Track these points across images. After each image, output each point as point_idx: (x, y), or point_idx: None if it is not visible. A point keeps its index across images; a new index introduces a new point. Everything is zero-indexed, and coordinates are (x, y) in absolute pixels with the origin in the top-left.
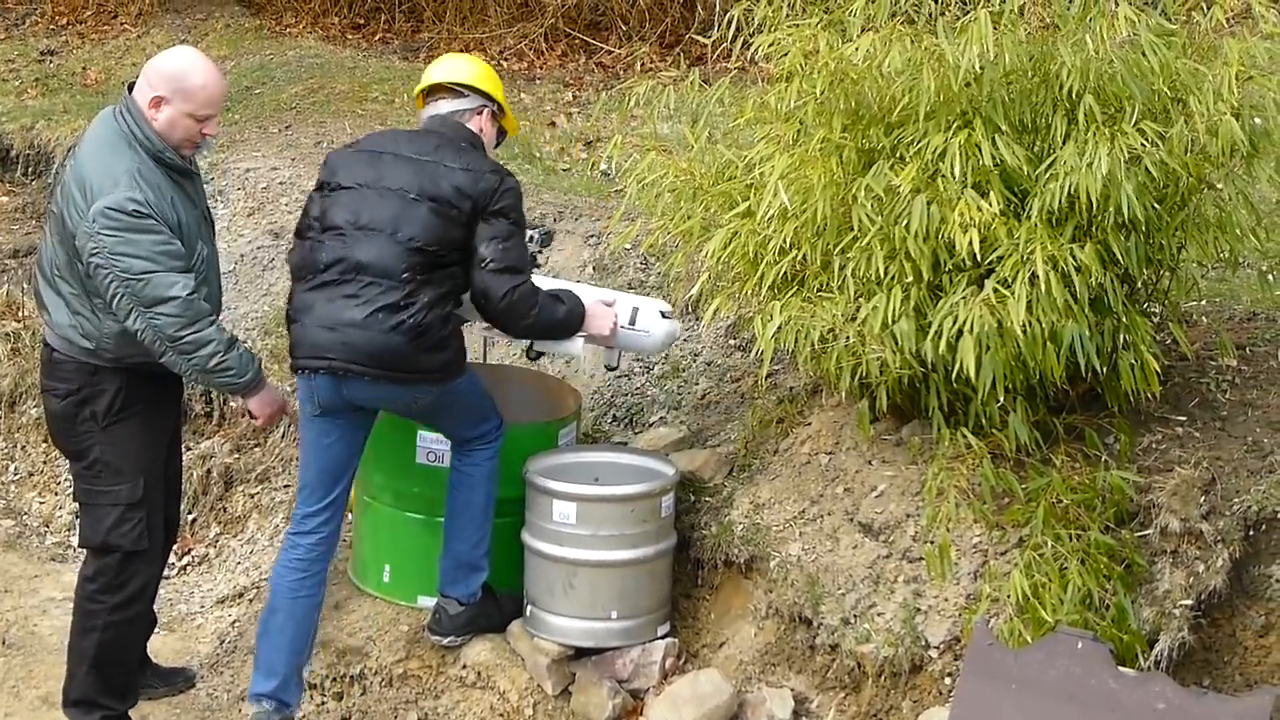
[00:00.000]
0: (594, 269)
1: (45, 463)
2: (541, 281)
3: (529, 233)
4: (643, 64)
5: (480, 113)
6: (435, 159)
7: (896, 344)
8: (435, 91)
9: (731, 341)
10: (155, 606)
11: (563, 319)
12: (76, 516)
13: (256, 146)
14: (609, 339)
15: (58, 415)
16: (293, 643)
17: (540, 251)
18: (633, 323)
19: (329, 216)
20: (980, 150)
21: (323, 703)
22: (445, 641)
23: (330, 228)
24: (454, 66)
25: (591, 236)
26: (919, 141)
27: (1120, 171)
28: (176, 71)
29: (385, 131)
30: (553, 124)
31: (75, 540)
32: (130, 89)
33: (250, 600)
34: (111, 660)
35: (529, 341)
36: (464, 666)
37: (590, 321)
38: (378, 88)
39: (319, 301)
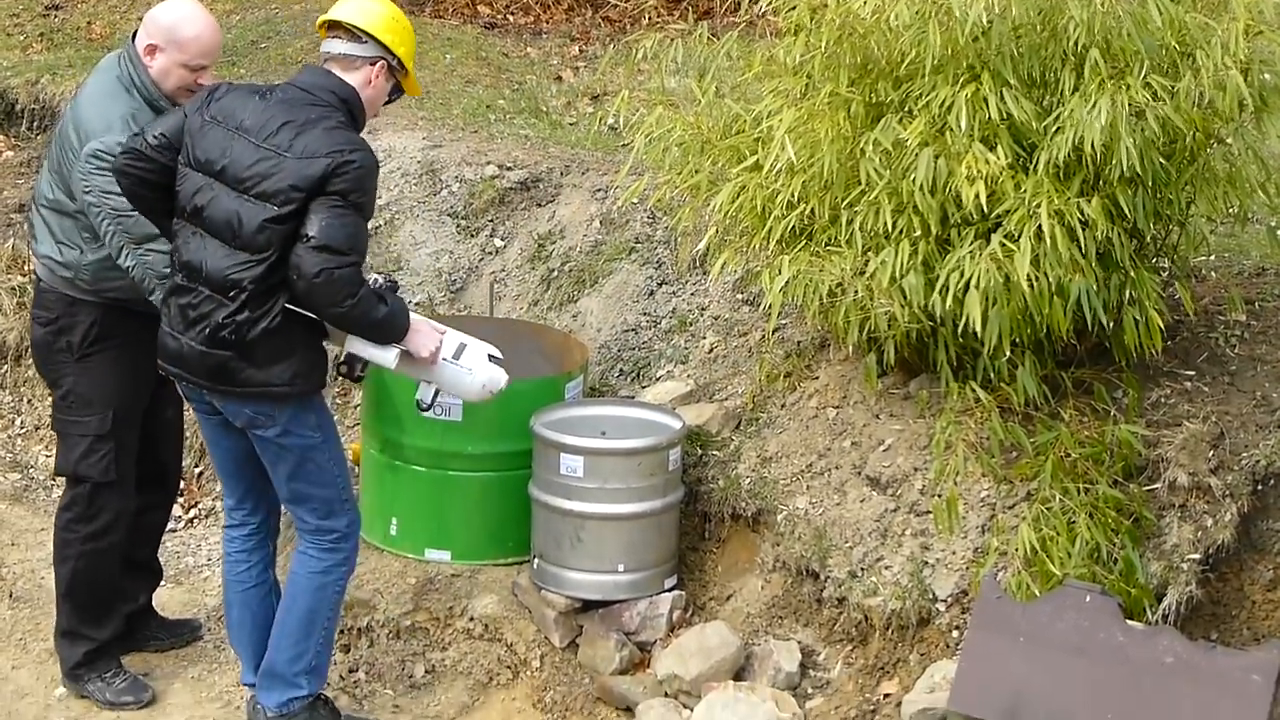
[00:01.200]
0: (601, 223)
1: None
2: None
3: (374, 277)
4: (650, 18)
5: (374, 64)
6: (272, 146)
7: (904, 298)
8: (335, 28)
9: (739, 296)
10: (161, 559)
11: (380, 319)
12: None
13: None
14: (426, 362)
15: (37, 344)
16: (254, 629)
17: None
18: (456, 357)
19: (184, 197)
20: (988, 104)
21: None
22: None
23: (185, 214)
24: (354, 8)
25: (598, 191)
26: (927, 95)
27: (1121, 124)
28: (171, 22)
29: (244, 90)
30: (559, 78)
31: None
32: (134, 37)
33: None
34: (83, 588)
35: (345, 353)
36: (471, 619)
37: (413, 336)
38: None
39: (172, 305)
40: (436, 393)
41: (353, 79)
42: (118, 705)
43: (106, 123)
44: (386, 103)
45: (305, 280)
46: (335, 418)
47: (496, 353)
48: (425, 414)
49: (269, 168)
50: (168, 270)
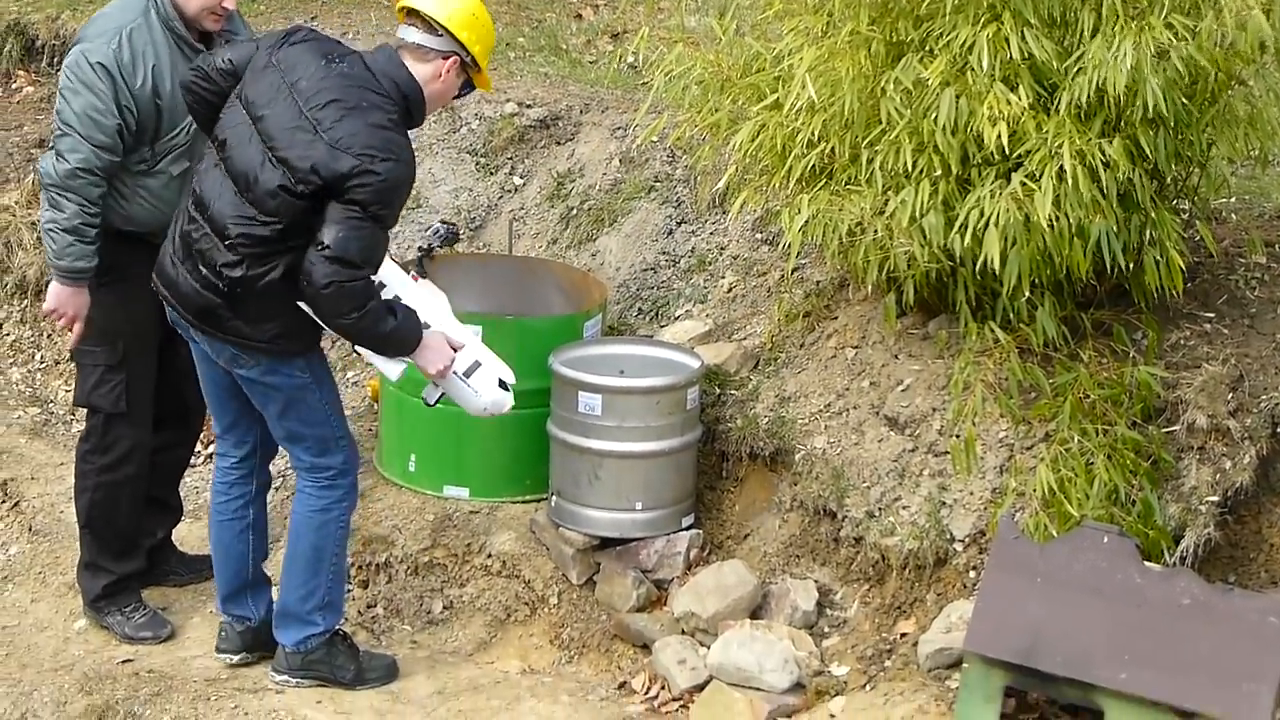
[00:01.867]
0: (620, 162)
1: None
2: (414, 292)
3: (435, 225)
4: None
5: (446, 58)
6: (314, 119)
7: (924, 237)
8: (412, 15)
9: (758, 235)
10: (181, 494)
11: (386, 334)
12: None
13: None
14: (435, 378)
15: None
16: (225, 562)
17: (441, 247)
18: (467, 375)
19: (221, 127)
20: (1009, 44)
21: (348, 590)
22: (278, 680)
23: (215, 142)
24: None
25: (618, 129)
26: (948, 34)
27: (1146, 65)
28: None
29: (316, 47)
30: (579, 16)
31: None
32: None
33: (276, 489)
34: (103, 521)
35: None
36: (489, 556)
37: (421, 353)
38: None
39: (177, 229)
40: (442, 395)
41: (422, 71)
42: (136, 640)
43: (100, 31)
44: (456, 97)
45: (313, 288)
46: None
47: (509, 377)
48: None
49: (301, 139)
50: (48, 186)
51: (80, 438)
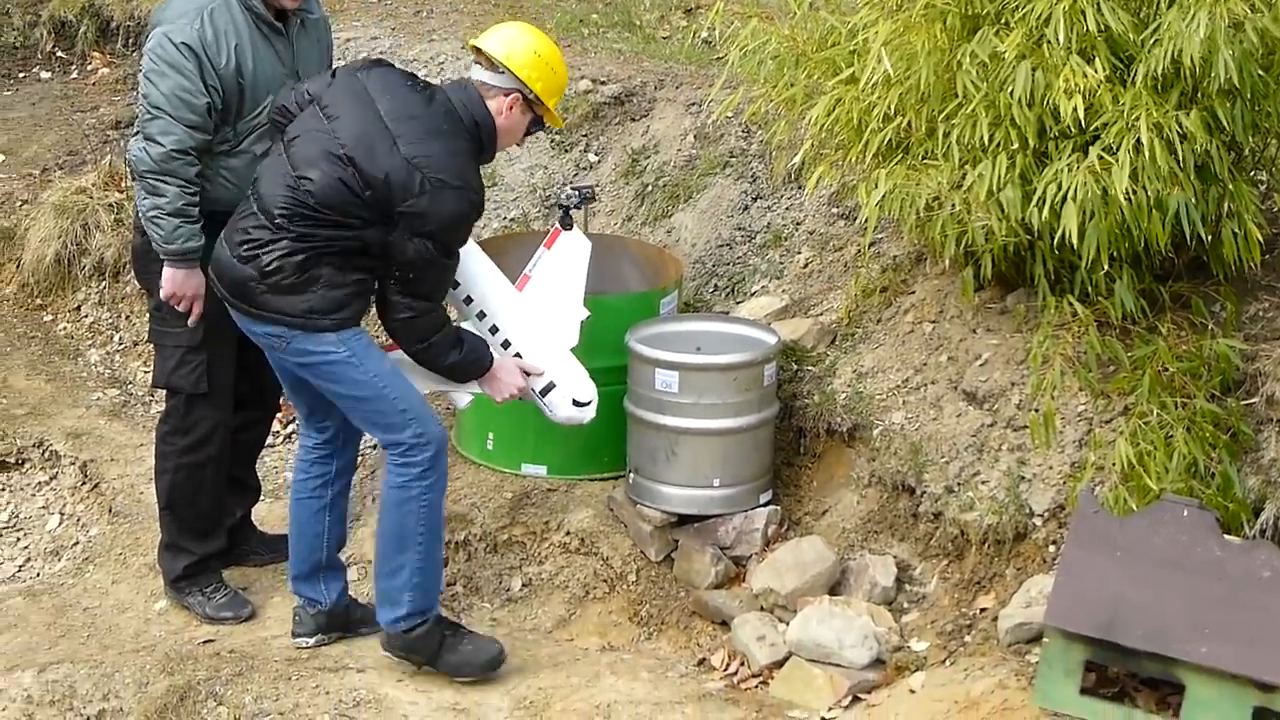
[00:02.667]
0: (695, 138)
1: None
2: (514, 302)
3: (569, 190)
4: None
5: (508, 94)
6: (397, 131)
7: (1002, 211)
8: (479, 52)
9: (834, 210)
10: (260, 474)
11: (448, 365)
12: None
13: (356, 16)
14: (503, 402)
15: (136, 253)
16: (298, 539)
17: (578, 207)
18: (543, 394)
19: (292, 127)
20: (1085, 16)
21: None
22: (384, 653)
23: (284, 140)
24: (500, 36)
25: (692, 105)
26: (1024, 7)
27: (1220, 36)
28: None
29: (403, 76)
30: None
31: None
32: None
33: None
34: (184, 503)
35: None
36: (568, 533)
37: (489, 382)
38: None
39: (235, 217)
40: (472, 400)
41: (489, 106)
42: (216, 620)
43: (179, 10)
44: (528, 133)
45: (389, 319)
46: None
47: (584, 396)
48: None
49: (380, 147)
50: (144, 173)
51: (160, 419)
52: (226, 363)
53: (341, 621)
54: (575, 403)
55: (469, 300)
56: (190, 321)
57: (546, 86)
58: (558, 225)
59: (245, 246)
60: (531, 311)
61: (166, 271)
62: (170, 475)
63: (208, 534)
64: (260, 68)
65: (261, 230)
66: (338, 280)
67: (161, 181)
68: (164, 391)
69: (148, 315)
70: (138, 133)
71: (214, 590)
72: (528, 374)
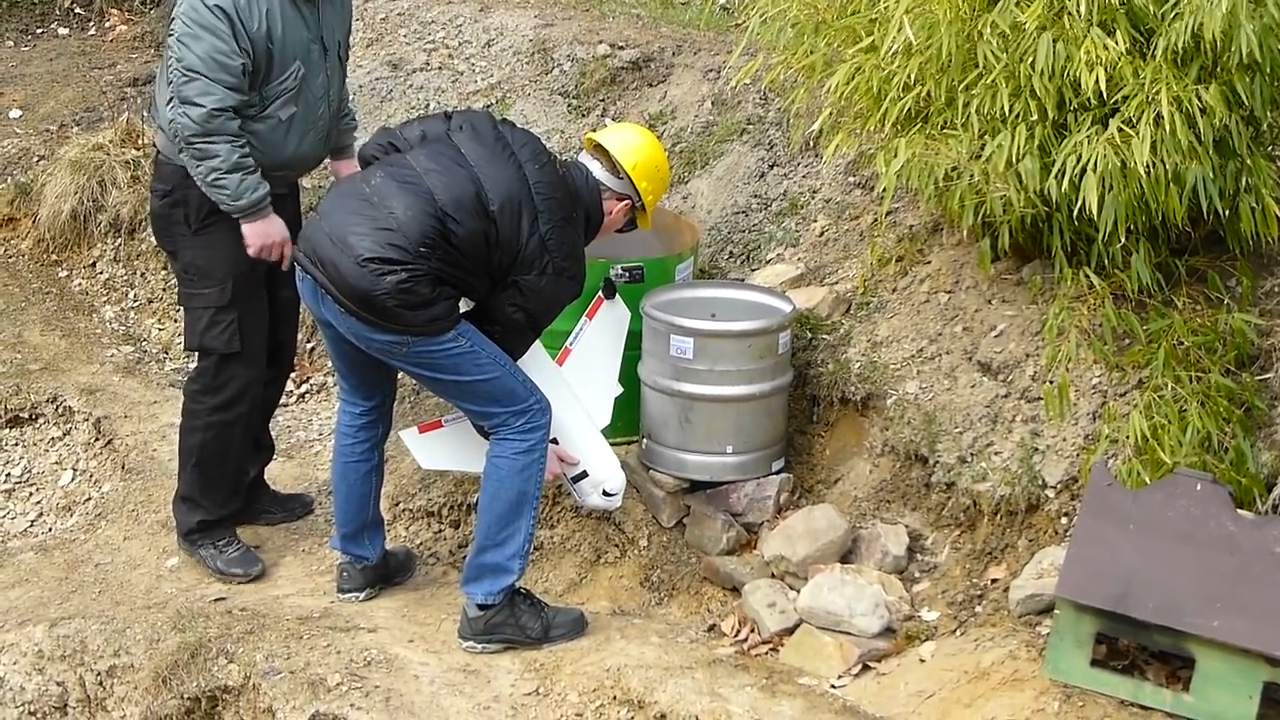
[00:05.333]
0: (712, 104)
1: (164, 289)
2: (554, 378)
3: (619, 269)
4: None
5: (620, 201)
6: (539, 206)
7: (1020, 182)
8: (599, 150)
9: (850, 179)
10: (273, 434)
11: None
12: None
13: None
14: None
15: (156, 216)
16: (348, 501)
17: (627, 283)
18: (574, 481)
19: (416, 153)
20: None
21: (440, 530)
22: (464, 646)
23: (409, 162)
24: (627, 141)
25: (710, 71)
26: None
27: (1242, 10)
28: None
29: (527, 133)
30: None
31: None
32: None
33: None
34: (211, 461)
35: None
36: None
37: None
38: None
39: (344, 210)
40: None
41: (603, 205)
42: (227, 575)
43: None
44: (618, 231)
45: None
46: None
47: (613, 486)
48: None
49: (524, 214)
50: (190, 139)
51: (189, 378)
52: (258, 321)
53: (384, 573)
54: (605, 493)
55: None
56: (284, 266)
57: (656, 198)
58: (601, 294)
59: (376, 264)
60: (570, 388)
61: (246, 228)
62: (200, 434)
63: (230, 493)
64: (289, 33)
65: (398, 251)
66: (459, 294)
67: (209, 143)
68: (183, 350)
69: (170, 278)
70: (171, 100)
71: (226, 544)
72: (562, 459)
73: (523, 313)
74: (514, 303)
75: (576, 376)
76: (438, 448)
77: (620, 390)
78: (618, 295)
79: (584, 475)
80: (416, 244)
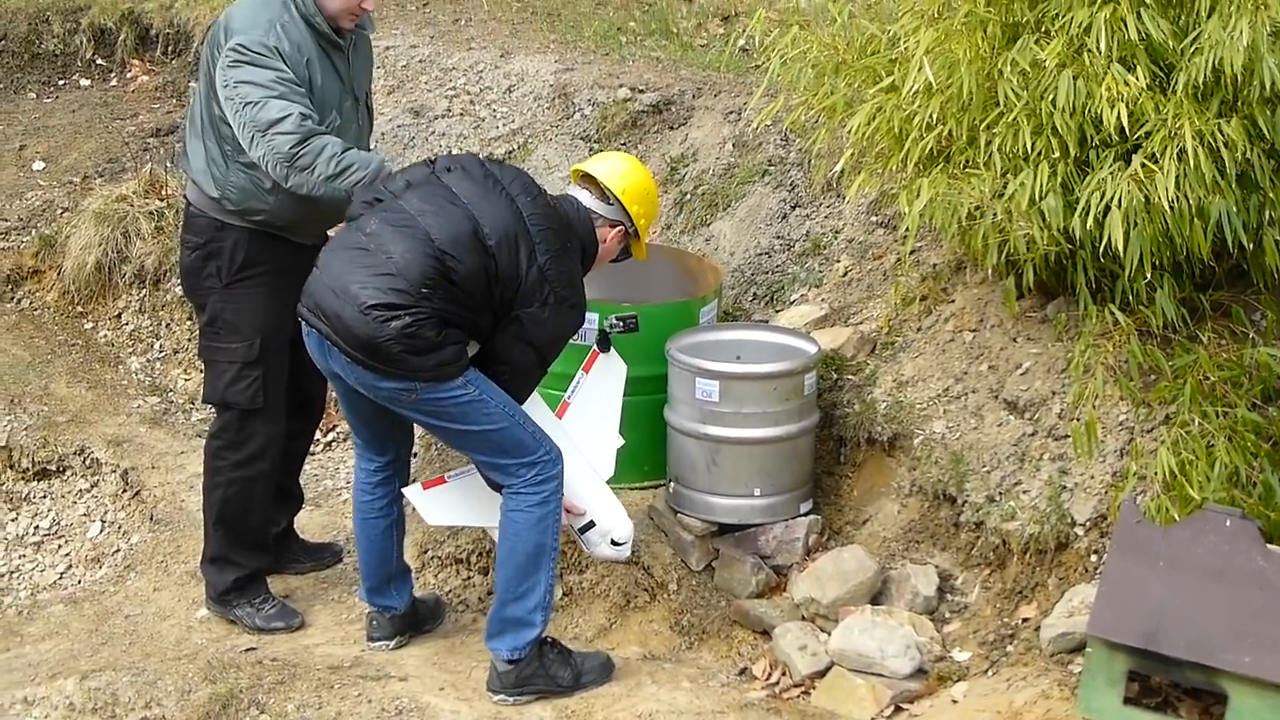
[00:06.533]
0: (733, 146)
1: (190, 340)
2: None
3: (613, 319)
4: None
5: (613, 226)
6: (536, 237)
7: (1044, 220)
8: (587, 180)
9: (873, 218)
10: (302, 482)
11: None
12: None
13: (395, 25)
14: None
15: (187, 269)
16: (369, 556)
17: (622, 333)
18: (581, 532)
19: (409, 196)
20: (1126, 24)
21: (468, 577)
22: (495, 700)
23: (400, 206)
24: (614, 168)
25: (730, 113)
26: (1064, 16)
27: (1263, 44)
28: None
29: (514, 169)
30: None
31: None
32: None
33: None
34: (236, 518)
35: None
36: None
37: None
38: None
39: (343, 261)
40: None
41: (596, 233)
42: (267, 630)
43: (252, 24)
44: (613, 261)
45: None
46: None
47: (621, 535)
48: None
49: (522, 246)
50: (295, 151)
51: (210, 434)
52: (280, 378)
53: (413, 621)
54: (613, 542)
55: None
56: None
57: (649, 222)
58: (595, 348)
59: (379, 310)
60: (572, 441)
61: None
62: (222, 490)
63: (257, 547)
64: (326, 83)
65: (401, 295)
66: (465, 336)
67: (308, 144)
68: (213, 406)
69: (196, 330)
70: (251, 139)
71: (262, 601)
72: (568, 510)
73: (529, 347)
74: (519, 337)
75: (577, 429)
76: (443, 503)
77: (621, 442)
78: (613, 348)
79: (591, 525)
80: (418, 286)
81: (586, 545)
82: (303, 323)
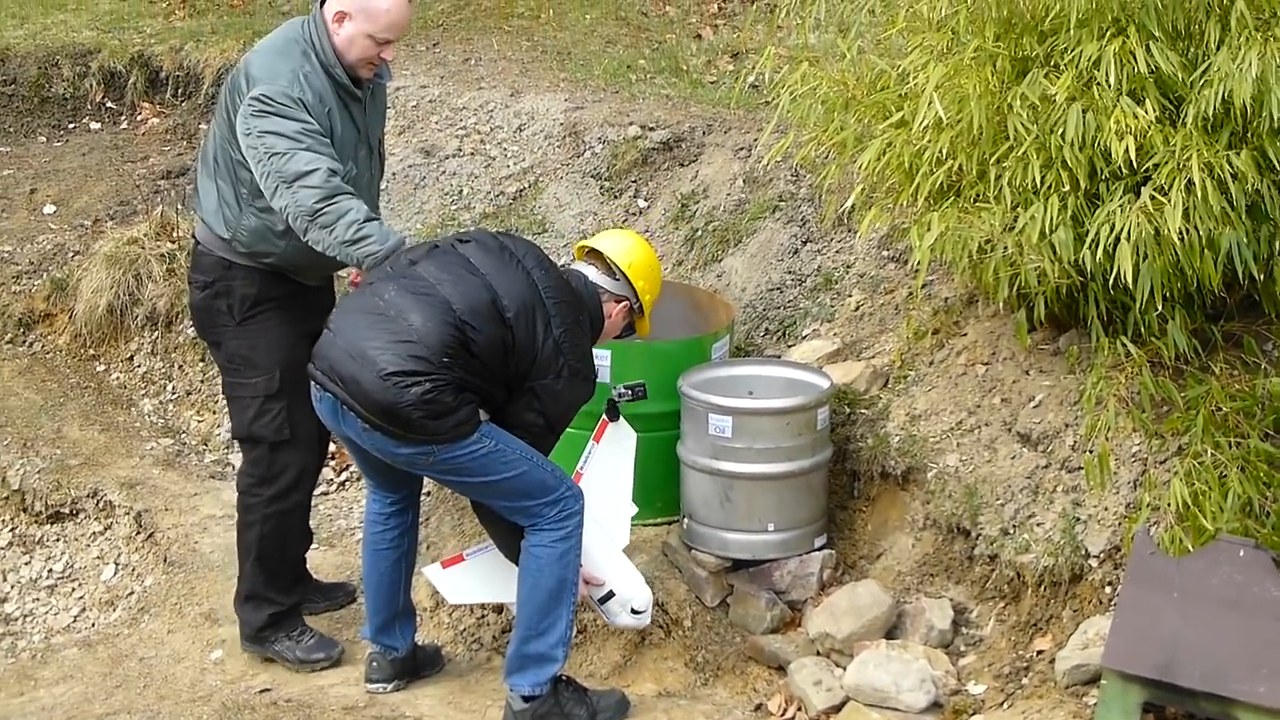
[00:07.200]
0: (744, 182)
1: (203, 381)
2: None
3: (620, 389)
4: None
5: (619, 303)
6: (551, 310)
7: (1054, 253)
8: (593, 255)
9: (884, 253)
10: (313, 523)
11: None
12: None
13: (405, 65)
14: None
15: (198, 308)
16: (378, 590)
17: (632, 400)
18: (601, 602)
19: (426, 264)
20: (1135, 57)
21: (483, 616)
22: None
23: (420, 275)
24: (619, 244)
25: (741, 149)
26: (1073, 50)
27: (1272, 75)
28: None
29: (526, 242)
30: (699, 37)
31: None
32: (323, 2)
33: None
34: (273, 553)
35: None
36: None
37: None
38: (523, 3)
39: (359, 325)
40: None
41: (603, 308)
42: (308, 663)
43: (275, 74)
44: (617, 338)
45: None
46: None
47: (640, 604)
48: None
49: (539, 319)
50: (319, 207)
51: (241, 471)
52: (307, 408)
53: (412, 666)
54: (633, 611)
55: None
56: None
57: (653, 298)
58: (605, 417)
59: (400, 377)
60: (588, 510)
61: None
62: (259, 527)
63: (294, 581)
64: (345, 132)
65: (421, 362)
66: (470, 399)
67: (335, 203)
68: (240, 443)
69: (215, 369)
70: (275, 190)
71: (300, 634)
72: (587, 582)
73: (542, 417)
74: (533, 408)
75: (591, 499)
76: (462, 581)
77: (635, 510)
78: (621, 417)
79: (611, 595)
80: (439, 355)
81: (606, 615)
82: (314, 384)
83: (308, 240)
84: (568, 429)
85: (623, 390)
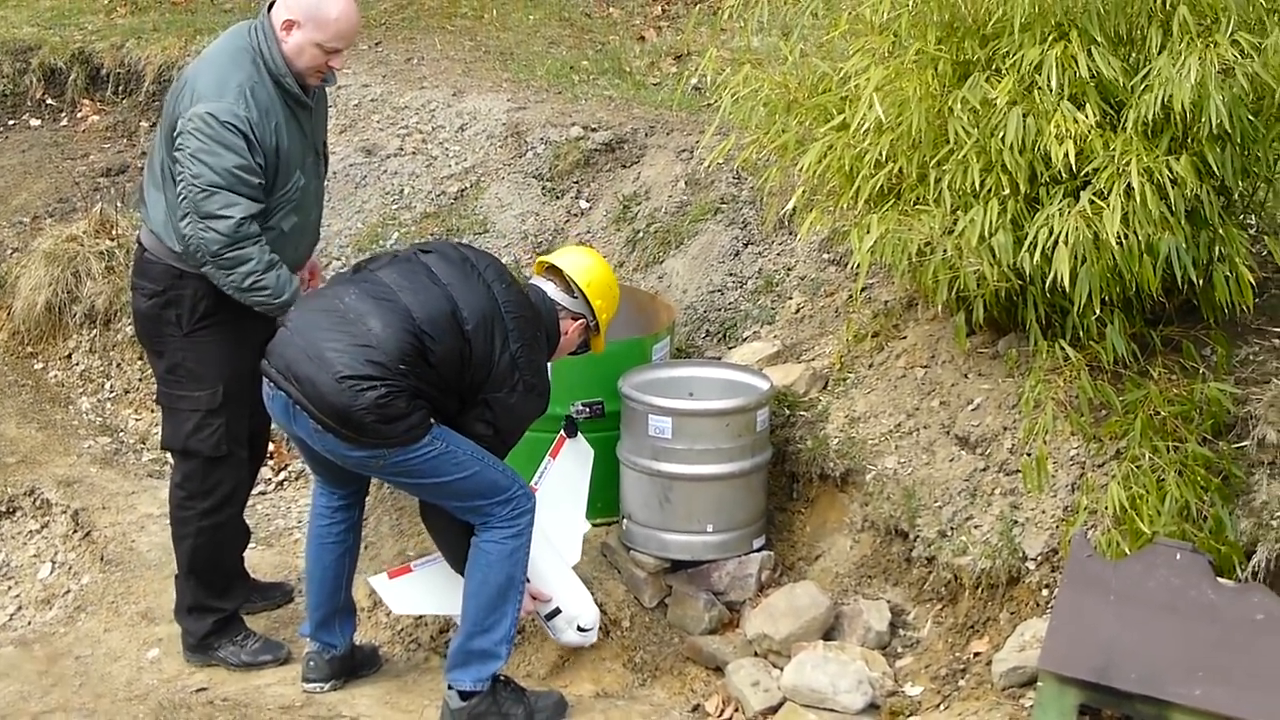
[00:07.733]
0: (686, 184)
1: (141, 380)
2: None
3: (579, 405)
4: None
5: (575, 320)
6: (510, 325)
7: (993, 256)
8: (552, 271)
9: (825, 256)
10: (252, 522)
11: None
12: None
13: (347, 64)
14: None
15: (144, 315)
16: (322, 584)
17: (589, 418)
18: (548, 619)
19: (388, 272)
20: (1076, 62)
21: (421, 616)
22: None
23: (379, 280)
24: (579, 262)
25: (683, 151)
26: (1014, 54)
27: (1211, 82)
28: (315, 0)
29: (502, 267)
30: (642, 39)
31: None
32: (270, 7)
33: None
34: (207, 565)
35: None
36: None
37: None
38: (466, 3)
39: (318, 326)
40: None
41: (559, 324)
42: (255, 665)
43: (221, 89)
44: (571, 354)
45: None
46: None
47: (587, 621)
48: None
49: (496, 333)
50: (220, 251)
51: (175, 484)
52: (243, 422)
53: (349, 665)
54: (579, 629)
55: None
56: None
57: (609, 317)
58: (562, 433)
59: (354, 381)
60: (539, 526)
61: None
62: (191, 540)
63: (230, 588)
64: (289, 143)
65: (377, 368)
66: (421, 404)
67: (238, 250)
68: (171, 454)
69: (155, 376)
70: (186, 216)
71: (244, 638)
72: (534, 598)
73: (492, 429)
74: (484, 419)
75: (544, 514)
76: (408, 592)
77: (588, 527)
78: (580, 434)
79: (557, 612)
80: (396, 361)
81: (552, 631)
82: (266, 381)
83: (202, 270)
84: (529, 433)
85: (580, 407)
